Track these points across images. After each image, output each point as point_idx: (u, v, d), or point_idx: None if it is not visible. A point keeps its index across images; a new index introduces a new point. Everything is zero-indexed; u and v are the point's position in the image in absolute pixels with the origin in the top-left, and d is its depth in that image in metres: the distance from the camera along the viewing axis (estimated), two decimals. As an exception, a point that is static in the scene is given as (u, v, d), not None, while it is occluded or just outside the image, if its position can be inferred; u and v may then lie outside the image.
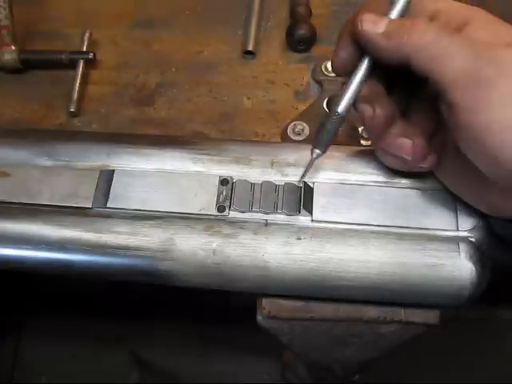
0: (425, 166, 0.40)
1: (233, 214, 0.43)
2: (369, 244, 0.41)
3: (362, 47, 0.38)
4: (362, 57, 0.39)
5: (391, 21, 0.37)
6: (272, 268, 0.41)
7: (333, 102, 0.57)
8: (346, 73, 0.40)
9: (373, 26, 0.36)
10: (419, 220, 0.42)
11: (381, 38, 0.36)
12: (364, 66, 0.39)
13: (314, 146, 0.42)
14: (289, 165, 0.45)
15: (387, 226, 0.42)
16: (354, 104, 0.41)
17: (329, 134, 0.41)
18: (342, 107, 0.40)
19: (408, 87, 0.41)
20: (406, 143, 0.39)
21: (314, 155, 0.42)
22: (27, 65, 0.67)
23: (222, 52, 0.68)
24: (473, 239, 0.42)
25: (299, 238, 0.42)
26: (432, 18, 0.37)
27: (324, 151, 0.42)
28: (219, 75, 0.66)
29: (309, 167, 0.43)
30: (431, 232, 0.42)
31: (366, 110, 0.40)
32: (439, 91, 0.35)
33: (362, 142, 0.57)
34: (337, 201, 0.44)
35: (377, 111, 0.39)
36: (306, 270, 0.41)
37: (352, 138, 0.56)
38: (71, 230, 0.43)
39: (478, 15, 0.36)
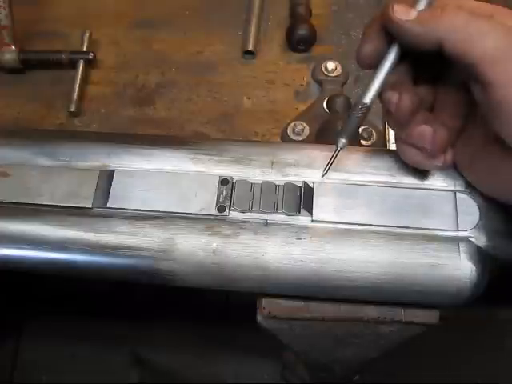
0: (441, 161, 0.41)
1: (233, 214, 0.43)
2: (369, 244, 0.41)
3: (392, 34, 0.38)
4: (389, 48, 0.39)
5: (421, 10, 0.37)
6: (272, 268, 0.41)
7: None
8: (370, 66, 0.41)
9: (405, 13, 0.37)
10: (419, 220, 0.42)
11: (413, 23, 0.37)
12: (391, 56, 0.39)
13: (340, 137, 0.42)
14: (289, 165, 0.45)
15: (387, 226, 0.42)
16: (379, 95, 0.41)
17: (354, 124, 0.42)
18: (368, 98, 0.40)
19: (433, 80, 0.42)
20: (427, 130, 0.40)
21: (340, 144, 0.42)
22: (27, 65, 0.67)
23: (222, 52, 0.68)
24: (473, 239, 0.42)
25: (299, 238, 0.42)
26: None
27: (349, 142, 0.42)
28: (219, 75, 0.66)
29: (333, 158, 0.42)
30: (431, 232, 0.42)
31: (393, 96, 0.40)
32: (472, 73, 0.35)
33: (362, 141, 0.57)
34: (337, 201, 0.43)
35: (403, 97, 0.39)
36: (305, 270, 0.41)
37: (352, 138, 0.56)
38: (71, 230, 0.43)
39: (501, 10, 0.37)
